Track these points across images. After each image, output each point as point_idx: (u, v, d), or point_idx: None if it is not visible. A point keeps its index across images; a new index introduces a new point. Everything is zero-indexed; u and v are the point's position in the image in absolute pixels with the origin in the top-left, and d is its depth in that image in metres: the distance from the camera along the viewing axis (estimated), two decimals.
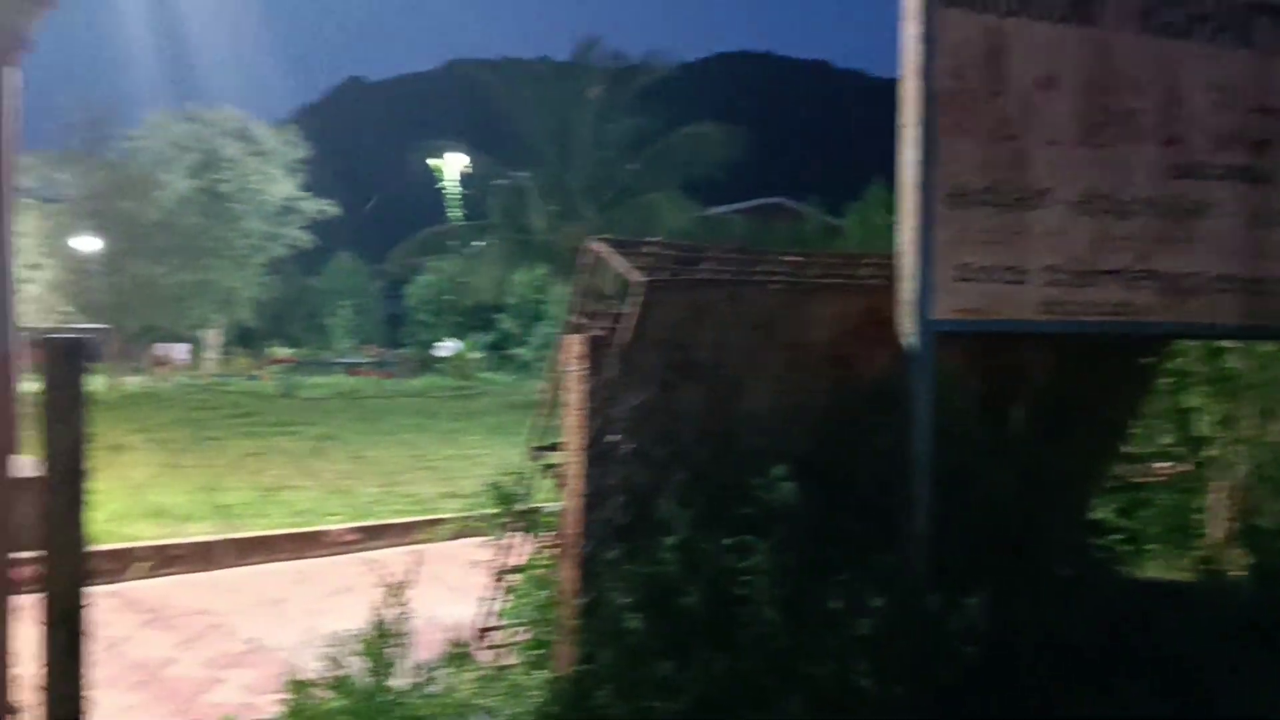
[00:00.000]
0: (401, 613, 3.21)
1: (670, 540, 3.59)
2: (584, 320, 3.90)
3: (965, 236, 3.86)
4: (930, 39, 3.73)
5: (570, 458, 3.73)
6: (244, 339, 40.48)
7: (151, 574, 6.39)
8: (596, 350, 3.67)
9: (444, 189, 33.83)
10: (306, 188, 39.97)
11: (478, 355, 35.79)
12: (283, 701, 3.12)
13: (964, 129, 3.81)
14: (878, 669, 3.42)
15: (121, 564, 6.24)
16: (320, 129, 50.98)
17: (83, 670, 2.87)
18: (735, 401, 3.92)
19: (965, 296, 3.88)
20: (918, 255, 3.79)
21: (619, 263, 3.72)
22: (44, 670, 2.84)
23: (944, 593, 3.64)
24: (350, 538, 7.83)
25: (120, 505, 7.97)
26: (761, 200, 33.71)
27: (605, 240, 3.87)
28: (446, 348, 37.41)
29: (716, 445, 3.82)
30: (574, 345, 3.69)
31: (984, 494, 4.01)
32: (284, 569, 7.11)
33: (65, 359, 2.90)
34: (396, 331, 45.22)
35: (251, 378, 30.46)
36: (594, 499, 3.69)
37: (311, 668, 3.41)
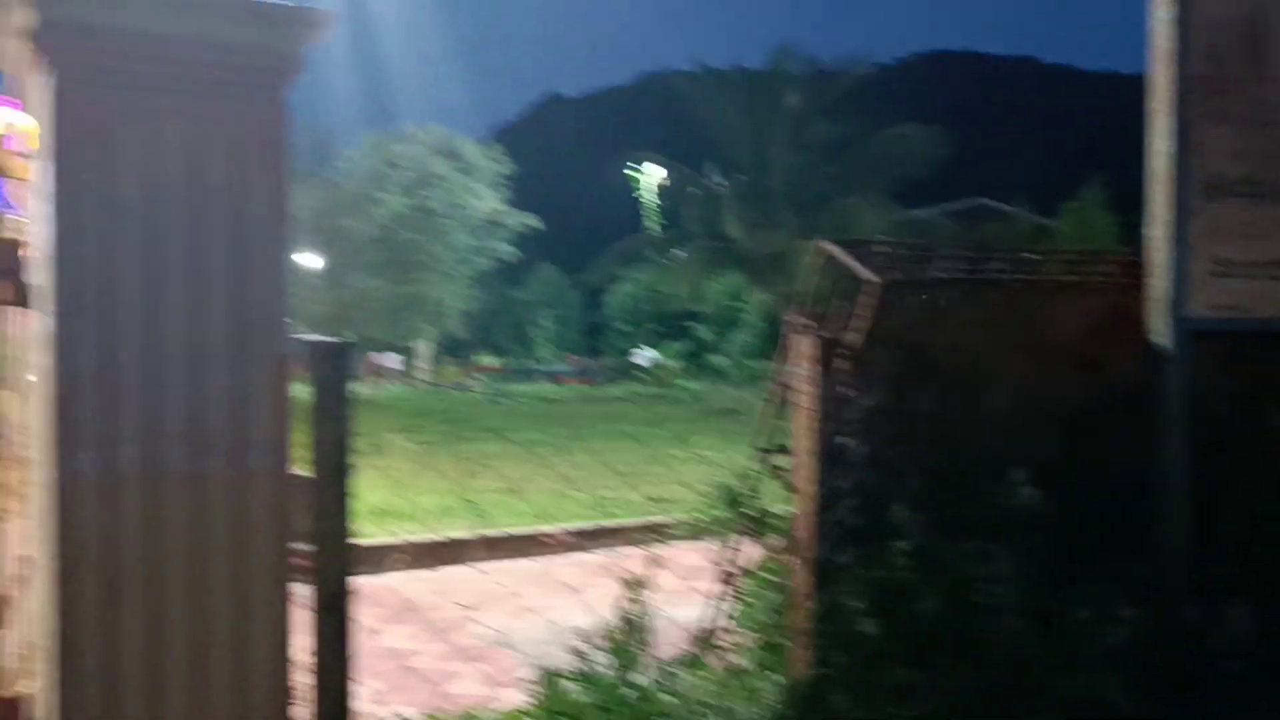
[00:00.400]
0: (643, 611, 3.26)
1: (905, 545, 3.52)
2: (811, 321, 3.87)
3: (1222, 229, 3.63)
4: (1184, 22, 3.53)
5: (801, 460, 3.71)
6: (452, 349, 42.16)
7: (394, 569, 6.72)
8: (828, 351, 3.64)
9: (641, 199, 34.32)
10: (510, 202, 41.32)
11: (675, 363, 36.12)
12: (531, 692, 3.23)
13: (1221, 116, 3.59)
14: (1131, 684, 3.26)
15: (367, 559, 6.59)
16: (521, 145, 52.73)
17: (349, 654, 3.04)
18: (971, 404, 3.81)
19: (1223, 293, 3.65)
20: (1170, 250, 3.60)
21: (851, 263, 3.68)
22: (314, 653, 3.02)
23: (1201, 605, 3.44)
24: (572, 539, 8.03)
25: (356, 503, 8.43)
26: (966, 202, 32.71)
27: (834, 241, 3.84)
28: (644, 356, 37.92)
29: (952, 449, 3.73)
30: (804, 346, 3.67)
31: (1244, 502, 3.77)
32: (512, 567, 7.36)
33: (331, 362, 3.08)
34: (596, 340, 46.20)
35: (461, 386, 31.67)
36: (826, 502, 3.65)
37: (548, 663, 3.52)
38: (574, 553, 8.08)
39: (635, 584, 3.30)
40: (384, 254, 35.05)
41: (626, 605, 3.29)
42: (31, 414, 3.24)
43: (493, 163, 40.25)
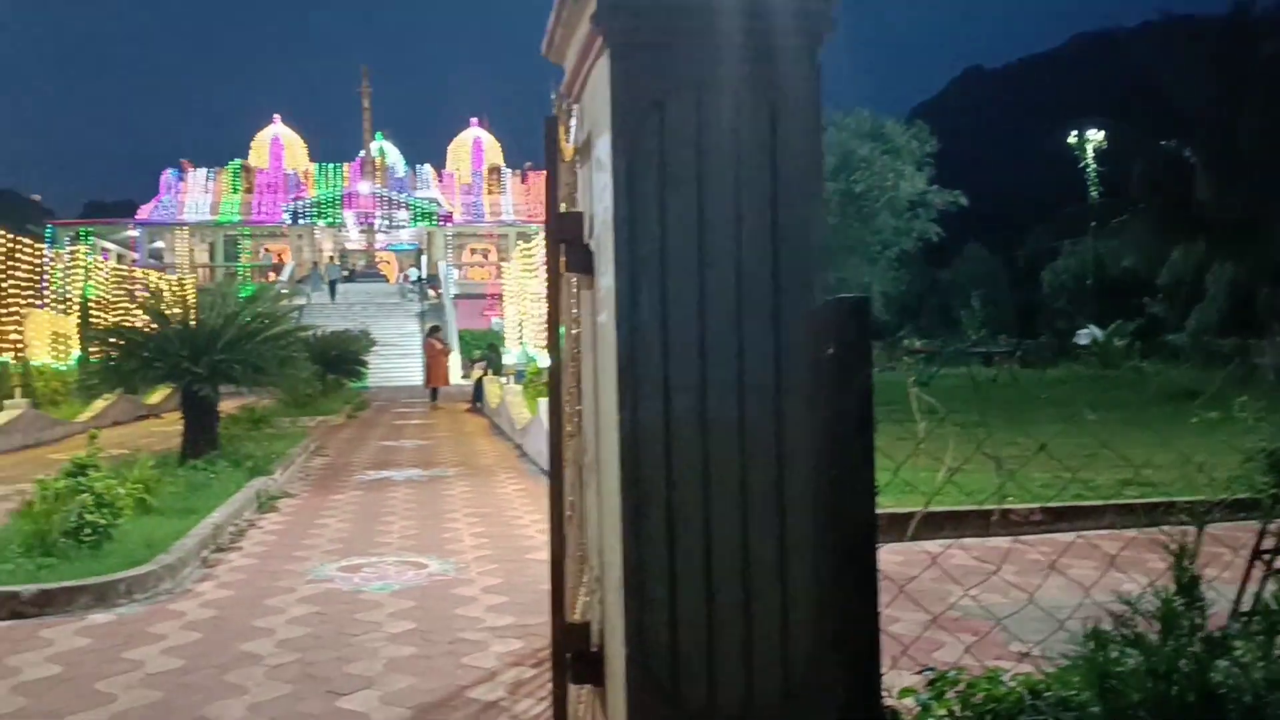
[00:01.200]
0: (1193, 581, 3.03)
1: None
2: None
3: None
4: None
5: None
6: (877, 332, 41.84)
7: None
8: None
9: (1081, 167, 32.11)
10: (935, 180, 40.42)
11: (1121, 342, 33.40)
12: (1069, 656, 3.12)
13: None
14: None
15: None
16: (945, 121, 51.24)
17: (876, 605, 3.08)
18: None
19: None
20: None
21: None
22: (840, 604, 3.09)
23: None
24: (1036, 518, 7.72)
25: None
26: None
27: None
28: (1085, 335, 35.41)
29: None
30: None
31: None
32: (971, 544, 7.20)
33: (853, 318, 3.12)
34: (1030, 320, 43.85)
35: (888, 369, 31.31)
36: None
37: (1025, 638, 3.37)
38: (1032, 533, 7.79)
39: (1183, 554, 3.06)
40: None
41: (1175, 575, 3.06)
42: (584, 369, 3.60)
43: (916, 141, 39.59)
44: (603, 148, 2.97)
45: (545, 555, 7.86)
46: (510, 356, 27.63)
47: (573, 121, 3.97)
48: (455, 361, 36.75)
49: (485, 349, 31.00)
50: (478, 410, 24.78)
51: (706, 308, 2.88)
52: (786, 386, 2.94)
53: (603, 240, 3.01)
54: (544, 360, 20.96)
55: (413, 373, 39.24)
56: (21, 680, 5.19)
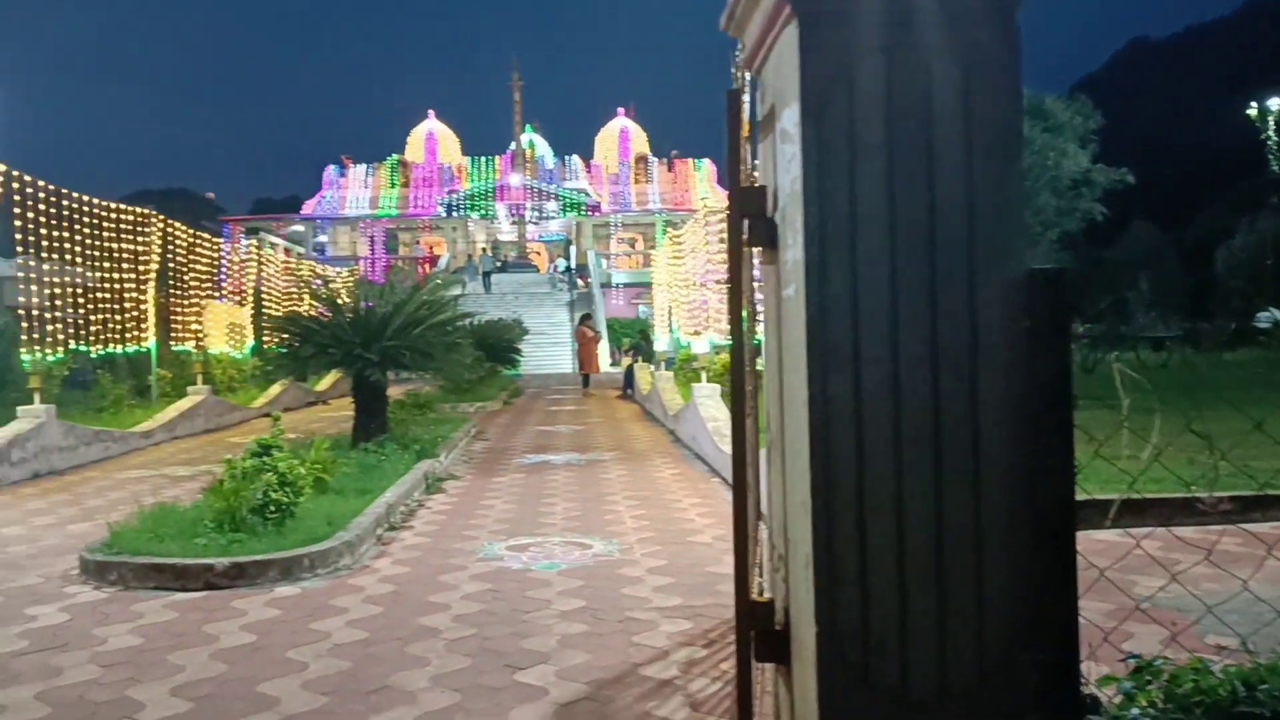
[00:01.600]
0: None
1: None
2: None
3: None
4: None
5: None
6: None
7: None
8: None
9: (1261, 139, 30.37)
10: (1097, 158, 38.89)
11: None
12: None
13: None
14: None
15: None
16: (1108, 96, 49.10)
17: (1074, 589, 2.96)
18: None
19: None
20: None
21: None
22: (1037, 586, 2.98)
23: None
24: (1225, 506, 7.33)
25: None
26: None
27: None
28: (1266, 317, 33.41)
29: None
30: None
31: None
32: (1158, 533, 6.87)
33: (1049, 290, 3.00)
34: (1203, 302, 41.61)
35: None
36: None
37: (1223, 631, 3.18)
38: (1221, 522, 7.40)
39: None
40: None
41: None
42: (767, 346, 3.57)
43: (1080, 117, 38.13)
44: (789, 119, 2.93)
45: (706, 539, 7.91)
46: (660, 344, 27.79)
47: (744, 97, 3.95)
48: (604, 349, 37.18)
49: (636, 337, 31.26)
50: (629, 397, 25.05)
51: (898, 279, 2.81)
52: (982, 360, 2.84)
53: (789, 213, 2.97)
54: (697, 346, 20.99)
55: (562, 360, 39.93)
56: (220, 647, 5.48)
